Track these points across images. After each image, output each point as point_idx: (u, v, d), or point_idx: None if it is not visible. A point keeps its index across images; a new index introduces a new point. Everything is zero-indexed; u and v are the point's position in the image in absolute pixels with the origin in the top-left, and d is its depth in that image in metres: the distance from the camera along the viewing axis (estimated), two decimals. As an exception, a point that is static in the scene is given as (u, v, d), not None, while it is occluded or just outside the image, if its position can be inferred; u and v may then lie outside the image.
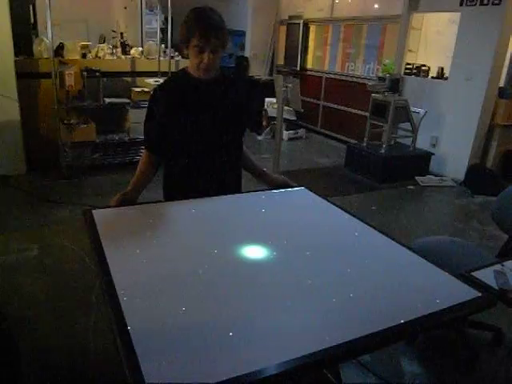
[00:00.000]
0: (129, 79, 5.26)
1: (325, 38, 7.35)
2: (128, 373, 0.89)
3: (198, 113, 1.77)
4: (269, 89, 6.08)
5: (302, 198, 1.92)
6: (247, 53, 8.02)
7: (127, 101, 4.97)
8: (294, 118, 7.09)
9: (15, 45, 4.32)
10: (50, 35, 4.13)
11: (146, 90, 4.91)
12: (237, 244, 1.49)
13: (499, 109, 5.02)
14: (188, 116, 1.77)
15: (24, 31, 4.59)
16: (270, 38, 8.11)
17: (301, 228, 1.62)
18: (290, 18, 7.69)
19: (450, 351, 2.34)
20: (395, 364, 2.21)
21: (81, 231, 3.00)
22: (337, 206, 1.81)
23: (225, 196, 1.84)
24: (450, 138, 5.24)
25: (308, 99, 7.22)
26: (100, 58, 5.09)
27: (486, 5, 4.70)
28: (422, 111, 5.16)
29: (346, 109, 6.80)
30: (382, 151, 5.12)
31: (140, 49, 5.54)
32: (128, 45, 5.59)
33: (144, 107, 2.03)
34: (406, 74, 5.71)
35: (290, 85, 4.62)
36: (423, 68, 5.56)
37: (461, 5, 4.94)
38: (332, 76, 7.12)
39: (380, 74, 5.64)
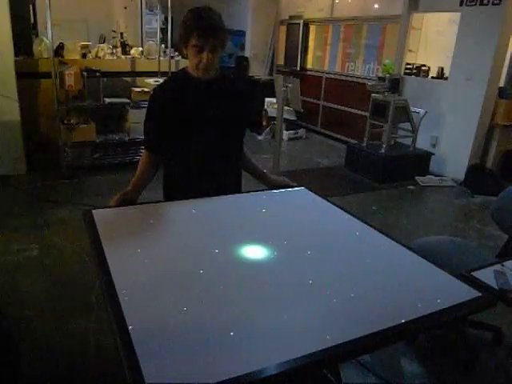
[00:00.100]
0: (129, 79, 5.26)
1: (325, 37, 7.35)
2: (128, 373, 0.89)
3: (197, 113, 1.77)
4: (269, 89, 6.09)
5: (302, 198, 1.92)
6: (247, 53, 8.02)
7: (127, 101, 4.97)
8: (294, 118, 7.09)
9: (15, 45, 4.32)
10: (50, 35, 4.13)
11: (146, 89, 4.91)
12: (237, 244, 1.49)
13: (499, 109, 5.02)
14: (187, 116, 1.77)
15: (24, 31, 4.59)
16: (270, 38, 8.11)
17: (301, 228, 1.62)
18: (290, 18, 7.70)
19: (450, 351, 2.34)
20: (395, 364, 2.21)
21: (81, 231, 3.00)
22: (337, 205, 1.81)
23: (225, 196, 1.84)
24: (450, 138, 5.24)
25: (308, 99, 7.22)
26: (100, 57, 5.09)
27: (486, 5, 4.70)
28: (421, 111, 5.16)
29: (345, 109, 6.80)
30: (382, 151, 5.12)
31: (140, 49, 5.54)
32: (128, 45, 5.59)
33: (144, 107, 2.03)
34: (405, 74, 5.71)
35: (290, 85, 4.62)
36: (423, 68, 5.56)
37: (461, 5, 4.94)
38: (332, 76, 7.12)
39: (380, 74, 5.64)
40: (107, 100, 4.77)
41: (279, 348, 0.99)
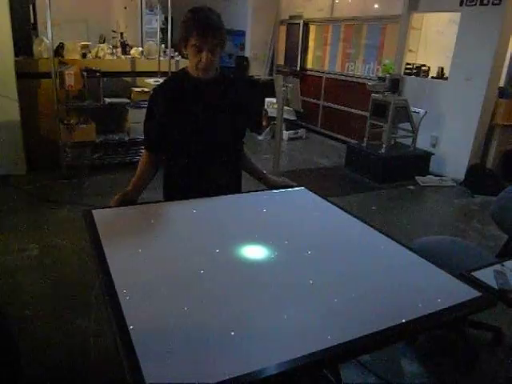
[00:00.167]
0: (129, 79, 5.26)
1: (325, 37, 7.35)
2: (128, 373, 0.89)
3: (197, 113, 1.77)
4: (269, 89, 6.09)
5: (302, 198, 1.92)
6: (247, 53, 8.02)
7: (127, 101, 4.97)
8: (294, 118, 7.09)
9: (15, 45, 4.32)
10: (50, 35, 4.13)
11: (146, 89, 4.91)
12: (238, 244, 1.49)
13: (499, 109, 5.02)
14: (188, 116, 1.77)
15: (24, 31, 4.59)
16: (270, 38, 8.11)
17: (301, 228, 1.62)
18: (290, 17, 7.70)
19: (450, 351, 2.34)
20: (395, 364, 2.21)
21: (81, 231, 3.00)
22: (337, 206, 1.81)
23: (225, 196, 1.84)
24: (450, 138, 5.24)
25: (308, 99, 7.22)
26: (100, 58, 5.08)
27: (486, 5, 4.70)
28: (421, 111, 5.16)
29: (345, 109, 6.80)
30: (382, 151, 5.12)
31: (140, 49, 5.54)
32: (128, 45, 5.59)
33: (144, 107, 2.03)
34: (405, 74, 5.71)
35: (290, 85, 4.62)
36: (423, 68, 5.56)
37: (461, 5, 4.94)
38: (332, 76, 7.12)
39: (380, 74, 5.64)
40: (107, 100, 4.77)
41: (279, 348, 0.99)
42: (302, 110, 5.21)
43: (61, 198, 4.04)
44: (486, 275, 1.54)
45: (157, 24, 5.91)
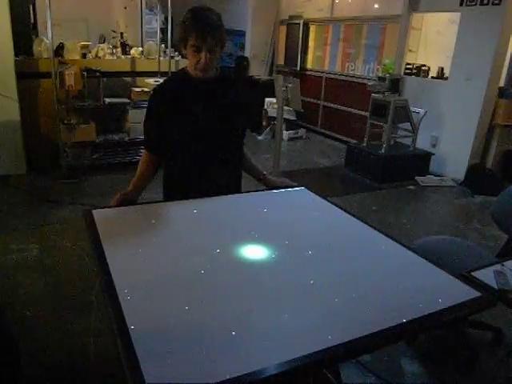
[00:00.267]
0: (129, 79, 5.26)
1: (325, 38, 7.35)
2: (128, 373, 0.89)
3: (197, 113, 1.77)
4: (269, 89, 6.09)
5: (302, 198, 1.92)
6: (247, 53, 8.02)
7: (127, 101, 4.97)
8: (293, 118, 7.09)
9: (15, 45, 4.32)
10: (50, 35, 4.13)
11: (146, 89, 4.91)
12: (238, 244, 1.49)
13: (499, 109, 5.02)
14: (187, 116, 1.77)
15: (24, 31, 4.60)
16: (270, 38, 8.11)
17: (301, 228, 1.62)
18: (290, 17, 7.69)
19: (450, 351, 2.34)
20: (395, 364, 2.21)
21: (81, 231, 3.01)
22: (337, 206, 1.81)
23: (225, 196, 1.84)
24: (450, 138, 5.24)
25: (308, 99, 7.22)
26: (100, 58, 5.09)
27: (486, 5, 4.70)
28: (421, 111, 5.16)
29: (346, 109, 6.80)
30: (382, 151, 5.12)
31: (140, 49, 5.54)
32: (128, 45, 5.59)
33: (144, 107, 2.03)
34: (406, 74, 5.71)
35: (290, 85, 4.62)
36: (423, 68, 5.56)
37: (461, 5, 4.94)
38: (332, 76, 7.12)
39: (380, 74, 5.64)
40: (107, 100, 4.77)
41: (279, 348, 0.99)
42: (302, 110, 5.19)
43: (61, 198, 4.04)
44: (486, 275, 1.54)
45: (157, 24, 5.91)
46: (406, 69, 5.71)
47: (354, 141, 5.90)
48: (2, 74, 4.27)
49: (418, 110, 5.17)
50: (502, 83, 5.18)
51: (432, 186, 4.98)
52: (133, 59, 5.30)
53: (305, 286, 1.23)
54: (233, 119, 1.83)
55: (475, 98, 4.90)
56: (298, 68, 7.58)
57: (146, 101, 2.06)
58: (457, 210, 4.50)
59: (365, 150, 5.28)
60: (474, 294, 1.23)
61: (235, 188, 1.96)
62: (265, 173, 2.01)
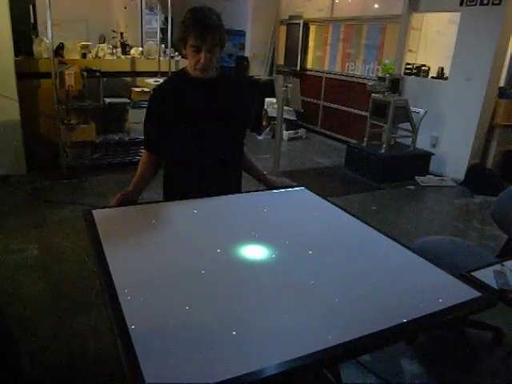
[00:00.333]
0: (129, 79, 5.26)
1: (325, 38, 7.35)
2: (128, 373, 0.89)
3: (197, 113, 1.77)
4: (269, 89, 6.09)
5: (302, 197, 1.92)
6: (247, 53, 8.02)
7: (127, 101, 4.97)
8: (294, 118, 7.09)
9: (15, 45, 4.32)
10: (50, 35, 4.13)
11: (146, 89, 4.91)
12: (238, 244, 1.49)
13: (499, 109, 5.02)
14: (187, 116, 1.77)
15: (24, 31, 4.59)
16: (270, 38, 8.11)
17: (302, 228, 1.62)
18: (290, 17, 7.69)
19: (449, 351, 2.34)
20: (395, 364, 2.21)
21: (81, 231, 3.00)
22: (337, 205, 1.81)
23: (225, 196, 1.84)
24: (450, 138, 5.24)
25: (308, 99, 7.22)
26: (100, 58, 5.08)
27: (486, 5, 4.70)
28: (421, 111, 5.16)
29: (346, 109, 6.80)
30: (382, 151, 5.12)
31: (140, 49, 5.54)
32: (128, 45, 5.59)
33: (144, 107, 2.03)
34: (406, 74, 5.71)
35: (290, 85, 4.61)
36: (423, 68, 5.56)
37: (461, 5, 4.94)
38: (332, 76, 7.12)
39: (380, 74, 5.64)
40: (107, 100, 4.77)
41: (279, 348, 0.99)
42: (302, 110, 5.19)
43: (61, 198, 4.04)
44: (486, 275, 1.54)
45: (157, 24, 5.91)
46: (406, 69, 5.71)
47: (354, 141, 5.90)
48: (2, 74, 4.27)
49: (417, 110, 5.17)
50: (502, 83, 5.18)
51: (432, 186, 4.98)
52: (133, 59, 5.30)
53: (305, 285, 1.23)
54: (233, 119, 1.83)
55: (475, 98, 4.90)
56: (298, 68, 7.58)
57: (145, 101, 2.06)
58: (457, 210, 4.50)
59: (365, 150, 5.28)
60: (474, 294, 1.23)
61: (235, 188, 1.96)
62: (265, 173, 2.01)
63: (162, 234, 1.53)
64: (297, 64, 7.58)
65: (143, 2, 7.32)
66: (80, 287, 2.69)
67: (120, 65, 5.19)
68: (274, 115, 5.73)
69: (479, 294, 1.23)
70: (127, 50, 5.48)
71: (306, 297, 1.19)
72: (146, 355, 0.92)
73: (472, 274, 1.52)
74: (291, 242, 1.49)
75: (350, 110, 6.72)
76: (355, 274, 1.32)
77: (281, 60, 8.17)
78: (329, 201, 1.86)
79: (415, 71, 5.63)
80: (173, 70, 5.22)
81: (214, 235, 1.52)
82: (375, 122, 5.35)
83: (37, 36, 4.96)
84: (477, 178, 4.94)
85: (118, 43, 5.58)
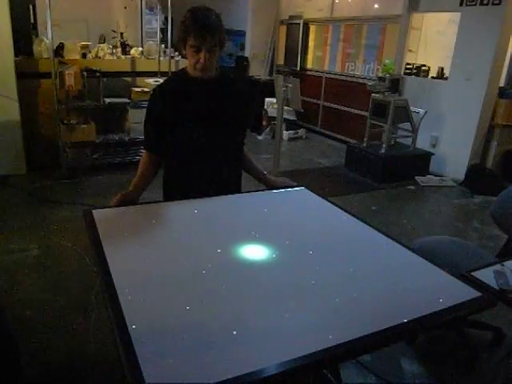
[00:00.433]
0: (129, 79, 5.26)
1: (325, 38, 7.35)
2: (128, 373, 0.89)
3: (197, 113, 1.77)
4: (269, 89, 6.09)
5: (302, 197, 1.92)
6: (247, 53, 8.02)
7: (127, 101, 4.97)
8: (293, 118, 7.09)
9: (15, 45, 4.32)
10: (50, 35, 4.13)
11: (146, 90, 4.91)
12: (239, 244, 1.49)
13: (499, 109, 5.02)
14: (187, 116, 1.77)
15: (24, 31, 4.59)
16: (270, 38, 8.11)
17: (302, 228, 1.62)
18: (290, 18, 7.69)
19: (449, 351, 2.34)
20: (395, 364, 2.21)
21: (81, 231, 3.00)
22: (337, 205, 1.81)
23: (225, 196, 1.84)
24: (450, 138, 5.24)
25: (308, 99, 7.22)
26: (100, 58, 5.08)
27: (486, 5, 4.70)
28: (421, 111, 5.16)
29: (346, 109, 6.80)
30: (382, 151, 5.12)
31: (140, 49, 5.54)
32: (128, 45, 5.59)
33: (144, 107, 2.03)
34: (406, 74, 5.71)
35: (290, 85, 4.61)
36: (423, 68, 5.56)
37: (461, 5, 4.94)
38: (332, 76, 7.12)
39: (380, 74, 5.63)
40: (107, 100, 4.77)
41: (279, 348, 0.99)
42: (302, 110, 5.19)
43: (61, 198, 4.04)
44: (486, 275, 1.53)
45: (157, 24, 5.91)
46: (406, 69, 5.71)
47: (354, 141, 5.90)
48: (2, 74, 4.27)
49: (417, 110, 5.17)
50: (502, 83, 5.18)
51: (432, 186, 4.98)
52: (133, 59, 5.29)
53: (305, 285, 1.23)
54: (233, 119, 1.83)
55: (475, 98, 4.90)
56: (298, 68, 7.58)
57: (146, 101, 2.06)
58: (457, 210, 4.50)
59: (365, 150, 5.28)
60: (474, 294, 1.23)
61: (235, 188, 1.96)
62: (265, 173, 2.01)
63: (162, 234, 1.53)
64: (297, 64, 7.58)
65: (143, 2, 7.31)
66: (80, 287, 2.69)
67: (120, 65, 5.19)
68: (274, 115, 5.73)
69: (479, 294, 1.23)
70: (127, 49, 5.48)
71: (306, 297, 1.19)
72: (146, 355, 0.92)
73: (472, 274, 1.52)
74: (291, 242, 1.49)
75: (349, 110, 6.72)
76: (355, 273, 1.32)
77: (281, 60, 8.17)
78: (329, 201, 1.86)
79: (415, 71, 5.63)
80: (173, 70, 5.23)
81: (214, 235, 1.52)
82: (375, 122, 5.35)
83: (37, 36, 4.95)
84: (477, 178, 4.94)
85: (118, 43, 5.57)
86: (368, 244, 1.53)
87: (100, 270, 1.25)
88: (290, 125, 6.95)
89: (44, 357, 2.13)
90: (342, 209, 1.78)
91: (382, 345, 1.22)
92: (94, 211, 1.60)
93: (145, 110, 1.85)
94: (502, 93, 5.02)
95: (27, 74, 4.52)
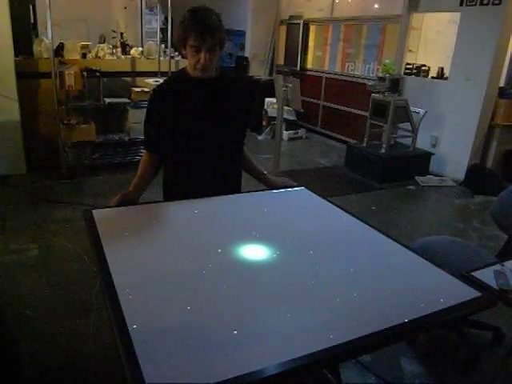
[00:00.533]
0: (129, 79, 5.26)
1: (325, 37, 7.35)
2: (128, 373, 0.89)
3: (197, 113, 1.77)
4: (269, 89, 6.09)
5: (302, 197, 1.92)
6: (247, 53, 8.02)
7: (127, 101, 4.97)
8: (293, 118, 7.09)
9: (15, 45, 4.32)
10: (50, 35, 4.13)
11: (146, 90, 4.91)
12: (239, 244, 1.49)
13: (499, 109, 5.02)
14: (187, 116, 1.77)
15: (24, 31, 4.59)
16: (270, 38, 8.11)
17: (302, 228, 1.62)
18: (290, 18, 7.69)
19: (449, 351, 2.34)
20: (395, 364, 2.21)
21: (81, 231, 3.00)
22: (337, 205, 1.81)
23: (225, 196, 1.84)
24: (450, 138, 5.24)
25: (308, 99, 7.22)
26: (100, 58, 5.08)
27: (486, 5, 4.70)
28: (421, 111, 5.16)
29: (346, 109, 6.80)
30: (382, 151, 5.12)
31: (140, 49, 5.54)
32: (128, 45, 5.59)
33: (144, 107, 2.03)
34: (406, 74, 5.71)
35: (290, 85, 4.61)
36: (423, 68, 5.56)
37: (461, 5, 4.94)
38: (332, 76, 7.12)
39: (380, 74, 5.63)
40: (107, 100, 4.77)
41: (280, 348, 0.99)
42: (302, 110, 5.19)
43: (61, 198, 4.04)
44: (486, 275, 1.54)
45: (157, 24, 5.91)
46: (406, 69, 5.71)
47: (354, 141, 5.90)
48: (2, 74, 4.27)
49: (417, 110, 5.17)
50: (502, 83, 5.17)
51: (432, 186, 4.98)
52: (133, 59, 5.29)
53: (306, 285, 1.23)
54: (233, 119, 1.83)
55: (475, 98, 4.90)
56: (298, 68, 7.58)
57: (146, 101, 2.06)
58: (457, 210, 4.50)
59: (365, 150, 5.28)
60: (474, 293, 1.23)
61: (235, 188, 1.96)
62: (265, 172, 2.01)
63: (162, 234, 1.53)
64: (297, 64, 7.58)
65: (143, 2, 7.32)
66: (80, 287, 2.69)
67: (120, 65, 5.19)
68: (274, 115, 5.73)
69: (479, 294, 1.23)
70: (127, 49, 5.48)
71: (306, 296, 1.19)
72: (146, 355, 0.92)
73: (472, 274, 1.52)
74: (292, 242, 1.50)
75: (350, 109, 6.72)
76: (355, 273, 1.32)
77: (281, 60, 8.17)
78: (329, 201, 1.86)
79: (415, 71, 5.63)
80: (173, 70, 5.22)
81: (215, 235, 1.52)
82: (375, 122, 5.35)
83: (37, 36, 4.96)
84: (477, 178, 4.93)
85: (118, 43, 5.57)
86: (368, 244, 1.53)
87: (100, 269, 1.25)
88: (290, 125, 6.95)
89: (44, 357, 2.13)
90: (342, 209, 1.78)
91: (382, 345, 1.22)
92: (93, 211, 1.60)
93: (145, 110, 1.85)
94: (502, 93, 5.02)
95: (27, 74, 4.52)
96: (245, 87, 1.92)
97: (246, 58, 7.87)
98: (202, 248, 1.42)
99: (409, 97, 5.31)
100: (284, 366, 0.92)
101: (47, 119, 4.61)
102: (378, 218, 4.03)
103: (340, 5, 6.91)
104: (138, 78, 5.26)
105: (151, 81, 4.97)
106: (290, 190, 1.96)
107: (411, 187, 4.94)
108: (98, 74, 4.58)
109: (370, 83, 5.47)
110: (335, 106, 7.03)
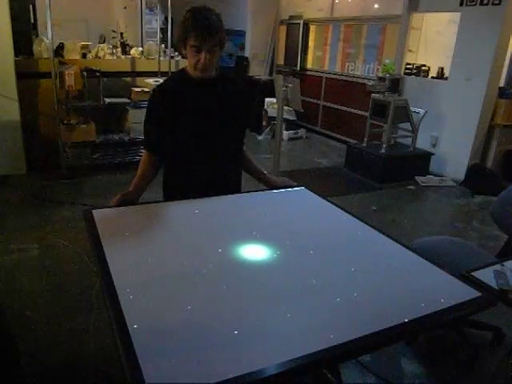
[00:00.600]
0: (129, 79, 5.26)
1: (325, 37, 7.35)
2: (128, 373, 0.89)
3: (197, 113, 1.77)
4: (269, 89, 6.08)
5: (302, 197, 1.92)
6: (247, 53, 8.02)
7: (127, 101, 4.97)
8: (293, 118, 7.09)
9: (15, 45, 4.32)
10: (50, 35, 4.13)
11: (146, 90, 4.91)
12: (239, 244, 1.49)
13: (499, 109, 5.02)
14: (187, 116, 1.77)
15: (24, 31, 4.59)
16: (270, 38, 8.11)
17: (302, 228, 1.62)
18: (290, 18, 7.69)
19: (449, 351, 2.34)
20: (395, 364, 2.21)
21: (81, 231, 3.00)
22: (337, 205, 1.81)
23: (225, 196, 1.84)
24: (450, 138, 5.24)
25: (308, 99, 7.22)
26: (100, 58, 5.08)
27: (486, 5, 4.70)
28: (421, 111, 5.16)
29: (346, 109, 6.80)
30: (382, 151, 5.12)
31: (140, 49, 5.54)
32: (128, 45, 5.59)
33: (144, 107, 2.03)
34: (406, 74, 5.71)
35: (290, 85, 4.61)
36: (423, 68, 5.56)
37: (461, 5, 4.94)
38: (332, 76, 7.12)
39: (380, 74, 5.64)
40: (107, 100, 4.77)
41: (280, 348, 0.99)
42: (302, 110, 5.19)
43: (61, 198, 4.04)
44: (486, 275, 1.53)
45: (157, 24, 5.91)
46: (406, 69, 5.71)
47: (354, 141, 5.90)
48: (2, 74, 4.27)
49: (417, 110, 5.17)
50: (502, 83, 5.17)
51: (432, 186, 4.98)
52: (133, 59, 5.29)
53: (306, 285, 1.23)
54: (233, 119, 1.83)
55: (475, 98, 4.90)
56: (298, 68, 7.58)
57: (145, 101, 2.06)
58: (457, 210, 4.50)
59: (365, 150, 5.28)
60: (474, 293, 1.23)
61: (235, 188, 1.96)
62: (265, 172, 2.01)
63: (162, 234, 1.53)
64: (297, 64, 7.58)
65: (143, 2, 7.31)
66: (80, 287, 2.69)
67: (120, 65, 5.19)
68: (274, 115, 5.73)
69: (479, 294, 1.23)
70: (127, 49, 5.48)
71: (306, 296, 1.19)
72: (146, 355, 0.92)
73: (472, 274, 1.52)
74: (292, 242, 1.50)
75: (350, 110, 6.72)
76: (356, 273, 1.32)
77: (281, 60, 8.17)
78: (329, 201, 1.86)
79: (415, 71, 5.63)
80: (173, 70, 5.22)
81: (215, 235, 1.52)
82: (375, 122, 5.35)
83: (37, 36, 4.95)
84: (477, 178, 4.94)
85: (118, 43, 5.57)
86: (368, 244, 1.53)
87: (100, 269, 1.25)
88: (290, 125, 6.96)
89: (44, 357, 2.13)
90: (342, 209, 1.78)
91: (382, 345, 1.22)
92: (93, 211, 1.60)
93: (145, 110, 1.85)
94: (502, 93, 5.02)
95: (27, 74, 4.52)
96: (245, 87, 1.92)
97: (246, 58, 7.87)
98: (202, 248, 1.42)
99: (409, 97, 5.31)
100: (284, 365, 0.92)
101: (47, 119, 4.61)
102: (378, 218, 4.03)
103: (340, 5, 6.91)
104: (137, 78, 5.26)
105: (151, 81, 4.97)
106: (289, 189, 1.96)
107: (411, 187, 4.94)
108: (97, 74, 4.58)
109: (370, 83, 5.47)
110: (335, 106, 7.03)
